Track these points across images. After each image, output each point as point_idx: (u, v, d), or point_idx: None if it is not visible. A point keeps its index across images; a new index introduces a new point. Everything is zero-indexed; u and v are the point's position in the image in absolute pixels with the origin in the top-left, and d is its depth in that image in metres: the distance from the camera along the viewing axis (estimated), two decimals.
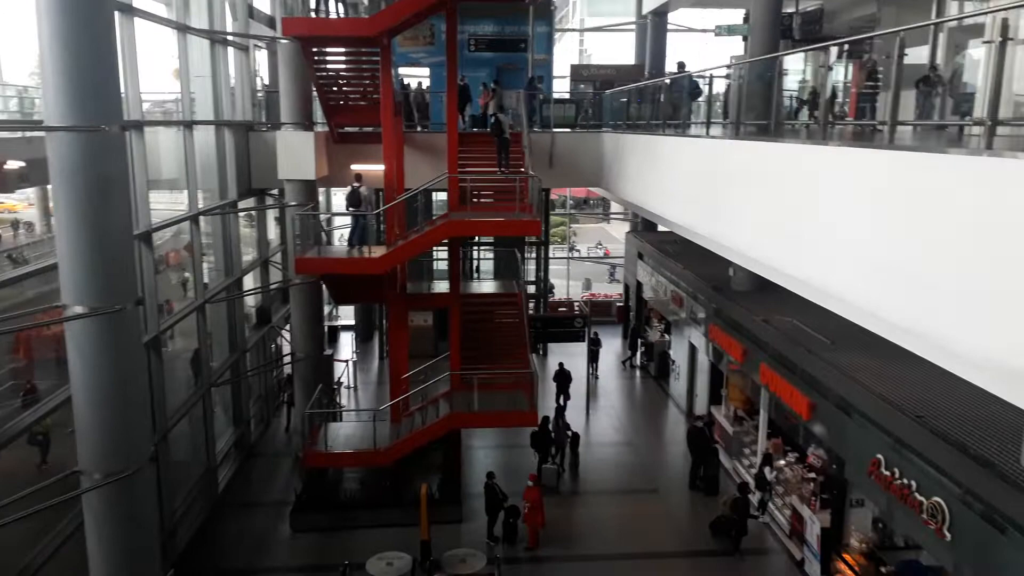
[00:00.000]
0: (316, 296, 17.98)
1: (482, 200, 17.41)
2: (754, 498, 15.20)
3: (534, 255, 27.26)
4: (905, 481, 10.21)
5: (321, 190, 23.56)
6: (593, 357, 23.56)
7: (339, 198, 30.21)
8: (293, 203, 16.90)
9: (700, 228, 12.70)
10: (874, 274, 7.13)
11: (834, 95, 10.72)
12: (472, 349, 17.40)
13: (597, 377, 23.84)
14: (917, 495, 9.94)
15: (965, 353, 5.86)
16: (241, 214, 18.97)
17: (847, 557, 12.36)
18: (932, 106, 9.70)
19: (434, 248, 24.72)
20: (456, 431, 16.33)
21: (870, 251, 7.20)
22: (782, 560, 14.08)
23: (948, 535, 9.33)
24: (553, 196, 40.70)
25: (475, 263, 26.79)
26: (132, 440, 9.05)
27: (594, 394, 22.42)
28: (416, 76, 23.47)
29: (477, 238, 26.68)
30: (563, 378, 20.58)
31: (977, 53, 8.95)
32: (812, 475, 14.13)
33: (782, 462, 15.18)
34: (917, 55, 9.88)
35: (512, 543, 14.62)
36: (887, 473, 10.60)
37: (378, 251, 15.15)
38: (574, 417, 19.51)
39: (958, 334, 5.91)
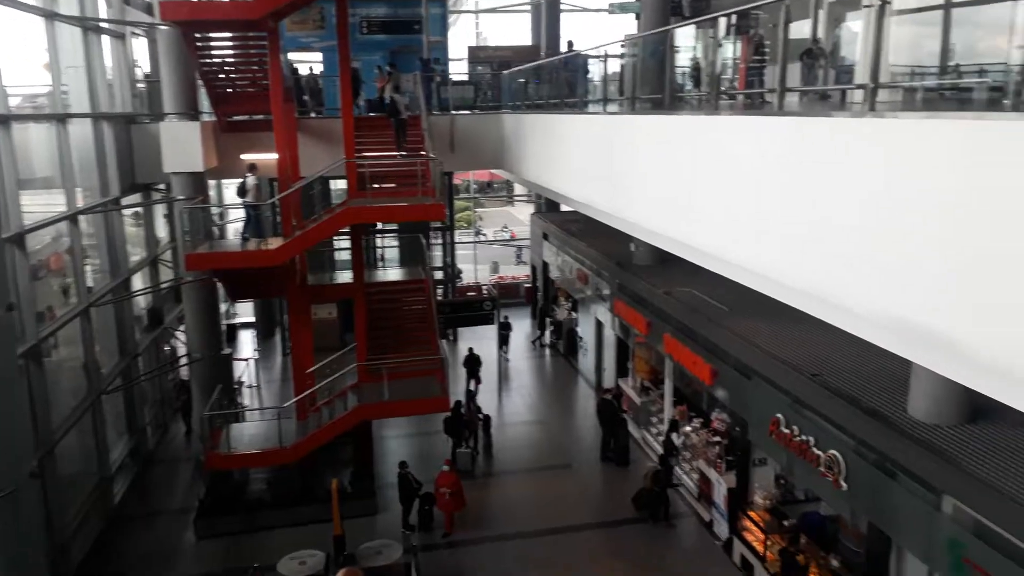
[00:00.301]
0: (210, 294, 17.17)
1: (383, 186, 17.01)
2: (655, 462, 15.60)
3: (440, 241, 27.00)
4: (804, 437, 10.66)
5: (212, 183, 22.49)
6: (504, 341, 23.66)
7: (232, 190, 29.07)
8: (181, 197, 16.03)
9: (601, 205, 12.81)
10: (768, 239, 7.34)
11: (723, 69, 10.99)
12: (380, 339, 17.04)
13: (508, 360, 23.89)
14: (815, 450, 10.39)
15: (858, 310, 6.08)
16: (126, 211, 17.89)
17: (752, 514, 12.85)
18: (816, 77, 10.06)
19: (335, 238, 24.19)
20: (366, 423, 16.00)
21: (763, 217, 7.41)
22: (692, 523, 14.52)
23: (844, 485, 9.80)
24: (456, 180, 40.35)
25: (379, 251, 26.28)
26: (8, 457, 8.38)
27: (506, 376, 22.55)
28: (308, 61, 22.68)
29: (380, 225, 26.21)
30: (473, 362, 20.54)
31: (856, 25, 9.32)
32: (716, 439, 14.61)
33: (688, 428, 15.62)
34: (799, 30, 10.21)
35: (428, 530, 14.51)
36: (787, 431, 11.04)
37: (275, 243, 14.59)
38: (486, 400, 19.51)
39: (851, 293, 6.13)
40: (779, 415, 11.27)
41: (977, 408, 9.06)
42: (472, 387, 19.97)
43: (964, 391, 8.84)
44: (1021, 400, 4.88)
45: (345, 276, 18.33)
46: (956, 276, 4.96)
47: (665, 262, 17.79)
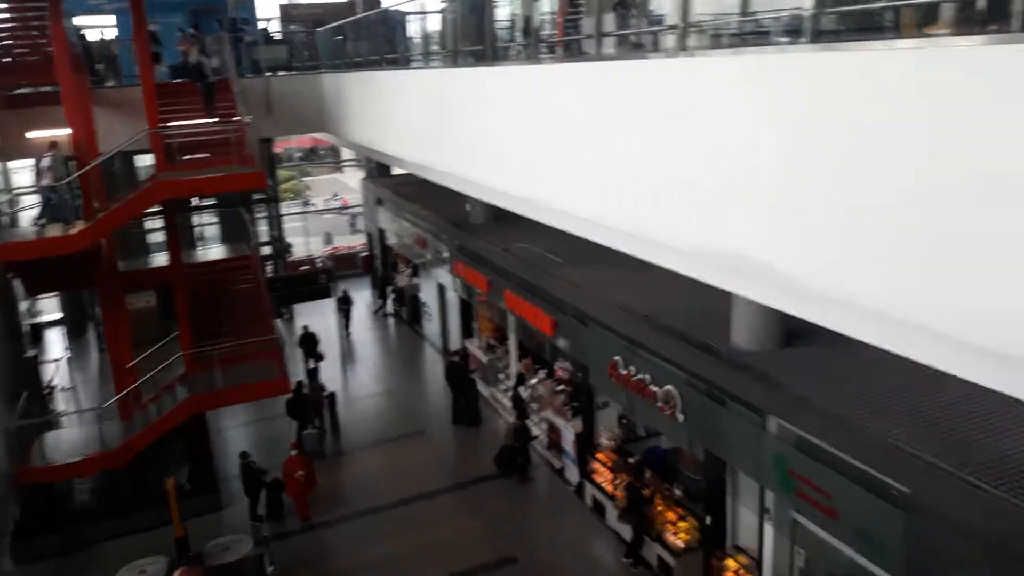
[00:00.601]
0: (5, 290, 15.27)
1: (195, 157, 15.69)
2: (512, 418, 15.83)
3: (265, 214, 25.58)
4: (641, 376, 11.10)
5: None
6: (345, 316, 22.85)
7: (22, 173, 25.98)
8: None
9: (432, 163, 12.53)
10: (596, 185, 7.40)
11: (541, 23, 11.00)
12: (207, 324, 15.93)
13: (351, 335, 23.13)
14: (652, 387, 10.85)
15: (682, 248, 6.27)
16: None
17: (600, 456, 13.36)
18: (629, 27, 10.26)
19: (146, 218, 22.26)
20: (200, 415, 14.97)
21: (587, 162, 7.46)
22: (545, 472, 14.90)
23: (681, 417, 10.32)
24: (278, 149, 38.49)
25: (197, 231, 24.49)
26: None
27: (349, 351, 21.91)
28: (100, 26, 20.42)
29: (197, 200, 24.39)
30: (309, 341, 19.66)
31: None
32: (561, 387, 15.01)
33: (534, 380, 15.94)
34: None
35: (279, 519, 13.87)
36: (625, 372, 11.46)
37: (77, 227, 13.10)
38: (330, 376, 18.87)
39: (674, 232, 6.30)
40: (617, 357, 11.66)
41: (791, 332, 9.77)
42: (311, 365, 19.20)
43: (779, 318, 9.53)
44: (831, 320, 5.24)
45: (161, 259, 16.91)
46: (769, 208, 5.20)
47: (501, 219, 17.88)
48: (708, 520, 10.53)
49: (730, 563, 10.26)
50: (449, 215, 18.94)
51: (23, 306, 24.53)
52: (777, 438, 8.76)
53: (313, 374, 18.31)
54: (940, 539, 6.81)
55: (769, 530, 9.37)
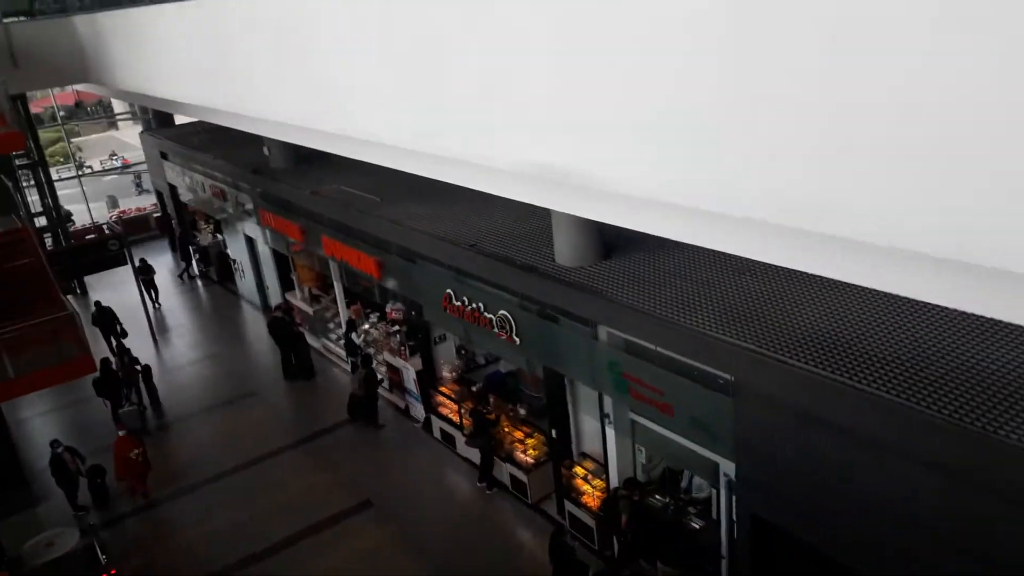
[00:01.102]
0: None
1: None
2: (353, 369, 15.54)
3: (33, 183, 22.61)
4: (474, 305, 11.22)
5: None
6: (148, 286, 20.84)
7: None
8: None
9: (218, 102, 11.57)
10: (395, 105, 7.18)
11: None
12: None
13: (159, 306, 21.32)
14: (487, 314, 11.02)
15: (501, 166, 6.26)
16: None
17: (443, 389, 13.48)
18: None
19: None
20: None
21: (383, 79, 7.18)
22: (390, 414, 14.82)
23: (517, 339, 10.59)
24: (36, 108, 33.97)
25: None
26: None
27: (160, 322, 20.21)
28: None
29: None
30: (105, 317, 17.94)
31: None
32: (396, 328, 14.88)
33: (366, 325, 15.65)
34: None
35: (104, 506, 12.85)
36: (459, 304, 11.53)
37: None
38: (141, 350, 17.37)
39: (491, 152, 6.27)
40: (449, 291, 11.69)
41: (609, 245, 10.23)
42: (114, 343, 17.58)
43: (596, 232, 9.95)
44: (640, 223, 5.51)
45: None
46: (566, 111, 5.27)
47: (304, 162, 17.05)
48: (554, 433, 11.03)
49: (578, 470, 10.86)
50: (246, 162, 17.77)
51: None
52: (608, 345, 9.24)
53: (121, 349, 16.79)
54: (761, 416, 7.58)
55: (611, 433, 9.97)
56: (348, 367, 16.07)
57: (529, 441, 11.85)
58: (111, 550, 11.29)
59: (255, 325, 19.61)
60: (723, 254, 8.83)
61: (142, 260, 20.96)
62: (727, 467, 8.22)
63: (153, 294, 21.11)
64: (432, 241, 11.91)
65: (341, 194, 14.53)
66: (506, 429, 12.19)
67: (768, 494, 7.74)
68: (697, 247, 5.54)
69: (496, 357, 13.83)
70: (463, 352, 14.08)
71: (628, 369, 8.96)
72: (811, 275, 7.69)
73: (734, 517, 8.39)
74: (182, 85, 12.68)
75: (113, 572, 9.98)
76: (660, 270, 9.42)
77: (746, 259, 5.22)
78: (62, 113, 33.18)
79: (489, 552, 10.94)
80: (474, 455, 12.45)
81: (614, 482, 10.18)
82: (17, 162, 21.41)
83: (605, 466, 10.35)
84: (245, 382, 16.75)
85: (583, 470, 10.77)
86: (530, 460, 11.64)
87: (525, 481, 11.57)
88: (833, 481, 6.90)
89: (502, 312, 10.72)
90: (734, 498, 8.28)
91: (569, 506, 10.94)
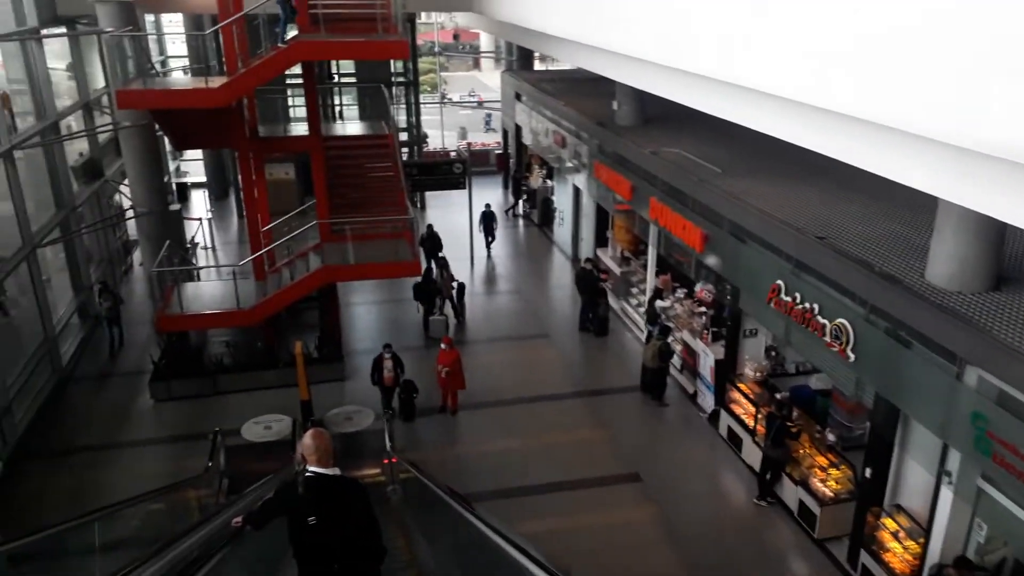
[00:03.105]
0: (151, 140, 15.47)
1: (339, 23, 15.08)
2: (647, 336, 14.98)
3: (403, 101, 25.05)
4: (807, 305, 9.92)
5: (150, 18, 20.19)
6: (488, 232, 20.86)
7: (174, 23, 26.59)
8: (109, 29, 14.01)
9: (587, 36, 11.36)
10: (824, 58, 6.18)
11: None
12: (342, 198, 15.74)
13: (492, 255, 21.11)
14: (820, 318, 9.68)
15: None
16: (51, 50, 15.78)
17: (741, 386, 12.33)
18: None
19: (289, 90, 22.23)
20: (331, 286, 14.95)
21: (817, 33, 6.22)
22: (674, 394, 14.05)
23: (852, 355, 9.15)
24: (420, 40, 37.72)
25: (337, 108, 24.35)
26: None
27: (478, 252, 20.99)
28: None
29: (338, 77, 24.19)
30: (433, 241, 18.75)
31: None
32: (702, 309, 13.96)
33: (671, 299, 14.92)
34: None
35: (410, 420, 13.26)
36: (788, 299, 10.29)
37: (216, 81, 12.90)
38: (459, 270, 18.42)
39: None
40: (779, 282, 10.49)
41: (1003, 276, 8.34)
42: (434, 264, 18.52)
43: (989, 256, 8.12)
44: None
45: (301, 129, 16.70)
46: None
47: (649, 122, 16.63)
48: (867, 472, 9.44)
49: (888, 523, 9.17)
50: (593, 113, 17.74)
51: (172, 166, 25.49)
52: (977, 392, 7.51)
53: (442, 263, 17.90)
54: None
55: (947, 495, 8.20)
56: (643, 335, 15.54)
57: (833, 472, 10.32)
58: (397, 441, 12.06)
59: (561, 272, 19.88)
60: None
61: (487, 205, 21.19)
62: None
63: (491, 240, 21.15)
64: (773, 223, 10.74)
65: (682, 159, 13.81)
66: (807, 451, 10.77)
67: None
68: None
69: (812, 369, 12.32)
70: (773, 353, 12.75)
71: (998, 428, 7.19)
72: None
73: None
74: (557, 16, 12.77)
75: (394, 460, 10.58)
76: None
77: None
78: (437, 50, 36.46)
79: (751, 569, 9.81)
80: (758, 463, 11.25)
81: (934, 552, 8.41)
82: (395, 79, 23.84)
83: (926, 530, 8.59)
84: (541, 323, 17.04)
85: (895, 524, 9.06)
86: (829, 493, 10.15)
87: (816, 513, 10.13)
88: None
89: (840, 320, 9.30)
90: None
91: (866, 558, 9.34)
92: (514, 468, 11.87)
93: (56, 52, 16.67)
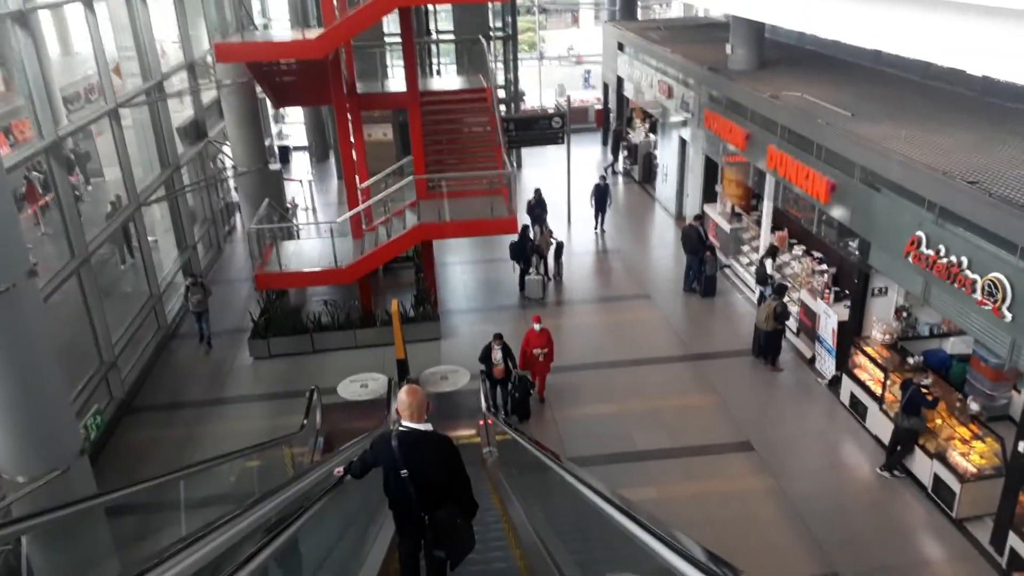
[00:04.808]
0: (250, 98, 15.53)
1: None
2: (759, 298, 13.93)
3: (501, 57, 24.37)
4: (953, 259, 8.75)
5: None
6: (600, 208, 18.87)
7: None
8: None
9: None
10: None
11: None
12: (438, 155, 15.35)
13: (603, 232, 19.11)
14: (969, 272, 8.51)
15: None
16: (156, 11, 15.97)
17: (868, 350, 11.18)
18: None
19: (388, 47, 22.00)
20: (427, 244, 14.64)
21: None
22: (789, 358, 13.01)
23: (1008, 314, 7.99)
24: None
25: (435, 64, 23.96)
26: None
27: (577, 211, 20.09)
28: None
29: (436, 33, 23.77)
30: (540, 207, 18.01)
31: None
32: (824, 267, 12.80)
33: (788, 256, 13.79)
34: None
35: (524, 419, 11.71)
36: (930, 252, 9.13)
37: (313, 33, 12.62)
38: (556, 226, 17.78)
39: None
40: (920, 233, 9.31)
41: None
42: (537, 226, 17.67)
43: None
44: None
45: (399, 87, 16.34)
46: None
47: (765, 66, 15.38)
48: (1020, 446, 8.29)
49: None
50: (704, 59, 16.54)
51: (274, 129, 25.89)
52: None
53: (541, 221, 17.30)
54: None
55: None
56: (753, 296, 14.50)
57: (976, 445, 9.17)
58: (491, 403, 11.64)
59: (664, 231, 18.93)
60: None
61: (602, 177, 19.75)
62: None
63: (601, 218, 19.18)
64: (913, 168, 9.53)
65: (805, 103, 12.58)
66: (945, 421, 9.64)
67: None
68: None
69: (949, 332, 11.07)
70: (905, 314, 11.51)
71: None
72: None
73: None
74: None
75: (489, 421, 10.20)
76: None
77: None
78: (536, 7, 35.47)
79: (880, 550, 8.86)
80: (885, 434, 10.19)
81: None
82: (492, 34, 23.18)
83: None
84: (643, 283, 16.21)
85: None
86: (972, 469, 9.03)
87: (956, 491, 9.04)
88: None
89: (995, 275, 8.14)
90: None
91: (1015, 540, 8.24)
92: (616, 433, 11.24)
93: (162, 14, 16.91)
